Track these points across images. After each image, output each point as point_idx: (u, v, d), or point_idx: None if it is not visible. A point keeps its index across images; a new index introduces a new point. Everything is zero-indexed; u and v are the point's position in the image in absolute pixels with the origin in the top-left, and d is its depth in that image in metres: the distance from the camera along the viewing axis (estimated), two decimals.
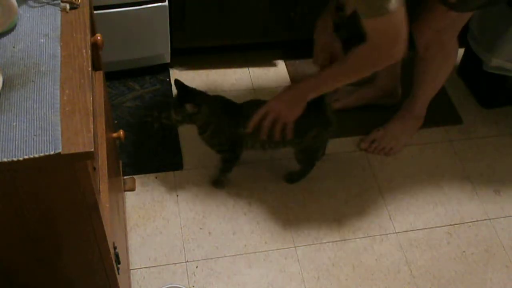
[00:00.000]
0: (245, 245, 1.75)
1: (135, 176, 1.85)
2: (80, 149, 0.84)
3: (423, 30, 1.69)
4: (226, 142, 1.75)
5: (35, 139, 0.84)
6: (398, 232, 1.83)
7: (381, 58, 1.48)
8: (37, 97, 0.90)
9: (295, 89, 1.62)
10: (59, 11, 1.04)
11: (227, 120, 1.72)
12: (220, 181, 1.87)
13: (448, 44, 1.76)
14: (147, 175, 1.88)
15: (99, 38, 1.19)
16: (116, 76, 2.11)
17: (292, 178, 1.90)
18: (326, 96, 1.65)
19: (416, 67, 1.88)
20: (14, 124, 0.86)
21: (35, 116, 0.87)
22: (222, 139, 1.75)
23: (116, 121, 2.00)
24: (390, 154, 1.99)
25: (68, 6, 1.04)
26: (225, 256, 1.72)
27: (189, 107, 1.64)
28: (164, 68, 2.18)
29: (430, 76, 1.87)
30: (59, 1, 1.05)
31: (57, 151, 0.83)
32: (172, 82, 2.15)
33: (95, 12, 1.29)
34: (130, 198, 1.82)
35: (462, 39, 1.92)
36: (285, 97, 1.62)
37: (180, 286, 1.63)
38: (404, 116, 2.00)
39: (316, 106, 1.64)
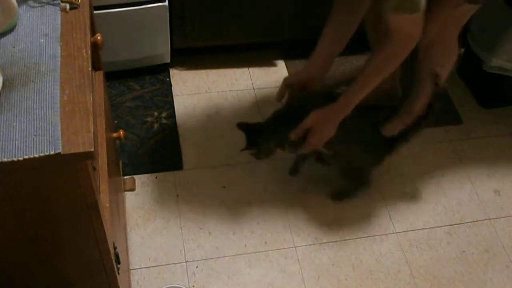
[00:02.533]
0: (245, 245, 1.75)
1: (135, 176, 1.85)
2: (80, 149, 0.84)
3: (428, 27, 1.66)
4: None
5: (35, 139, 0.84)
6: (398, 232, 1.83)
7: (402, 54, 1.51)
8: (37, 97, 0.90)
9: (330, 120, 1.63)
10: (59, 11, 1.04)
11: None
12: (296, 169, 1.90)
13: (451, 42, 1.74)
14: (147, 175, 1.88)
15: (99, 38, 1.19)
16: (116, 76, 2.11)
17: (338, 196, 1.89)
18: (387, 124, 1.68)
19: (419, 66, 1.82)
20: (14, 124, 0.86)
21: (35, 116, 0.87)
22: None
23: (116, 121, 2.00)
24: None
25: (68, 6, 1.04)
26: (225, 256, 1.72)
27: (253, 151, 1.72)
28: (164, 68, 2.18)
29: (431, 74, 1.82)
30: (59, 1, 1.05)
31: (57, 151, 0.83)
32: (172, 82, 2.16)
33: (95, 12, 1.29)
34: (130, 198, 1.82)
35: (462, 39, 1.92)
36: (324, 132, 1.64)
37: (180, 286, 1.63)
38: (403, 117, 1.97)
39: (376, 126, 1.69)
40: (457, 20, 1.68)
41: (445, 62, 1.78)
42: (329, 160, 1.83)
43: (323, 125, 1.63)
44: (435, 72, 1.76)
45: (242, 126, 1.73)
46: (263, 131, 1.71)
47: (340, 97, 1.60)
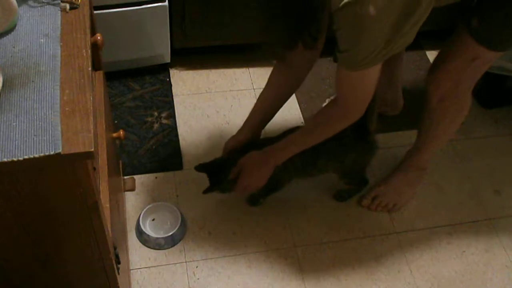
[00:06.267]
0: (245, 245, 1.75)
1: (135, 176, 1.85)
2: (80, 149, 0.84)
3: (442, 81, 1.57)
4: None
5: (35, 139, 0.84)
6: (398, 232, 1.83)
7: (343, 122, 1.45)
8: (37, 97, 0.90)
9: (261, 164, 1.60)
10: (59, 11, 1.04)
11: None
12: (256, 200, 1.84)
13: (463, 96, 1.62)
14: (147, 175, 1.88)
15: (99, 38, 1.19)
16: (116, 76, 2.11)
17: (342, 197, 1.89)
18: (371, 123, 1.63)
19: (426, 119, 1.71)
20: (14, 124, 0.86)
21: (35, 116, 0.87)
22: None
23: (116, 121, 2.00)
24: (394, 210, 1.87)
25: (68, 6, 1.04)
26: (225, 256, 1.72)
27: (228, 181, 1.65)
28: (164, 68, 2.18)
29: (441, 128, 1.72)
30: (59, 1, 1.05)
31: (57, 151, 0.83)
32: (172, 82, 2.16)
33: (95, 12, 1.29)
34: (130, 198, 1.82)
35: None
36: (253, 174, 1.61)
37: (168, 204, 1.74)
38: (407, 169, 1.86)
39: (358, 132, 1.63)
40: (473, 73, 1.55)
41: (455, 117, 1.68)
42: (345, 182, 1.83)
43: (253, 168, 1.60)
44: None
45: (200, 168, 1.68)
46: (225, 167, 1.66)
47: (278, 143, 1.57)
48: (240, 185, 1.63)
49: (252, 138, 1.69)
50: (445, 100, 1.60)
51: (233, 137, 1.72)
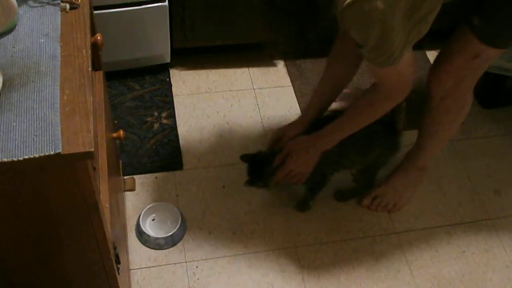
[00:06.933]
0: (245, 245, 1.75)
1: (135, 176, 1.85)
2: (80, 149, 0.84)
3: (444, 79, 1.57)
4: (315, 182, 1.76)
5: (35, 139, 0.84)
6: (398, 232, 1.83)
7: (383, 105, 1.47)
8: (37, 97, 0.90)
9: (309, 147, 1.62)
10: (59, 11, 1.04)
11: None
12: (305, 203, 1.84)
13: (465, 94, 1.63)
14: (147, 175, 1.88)
15: (99, 38, 1.19)
16: (116, 76, 2.11)
17: (343, 196, 1.89)
18: (398, 122, 1.66)
19: (427, 118, 1.71)
20: (14, 124, 0.86)
21: (35, 116, 0.87)
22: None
23: (116, 121, 2.00)
24: (394, 210, 1.87)
25: (68, 6, 1.04)
26: (225, 256, 1.72)
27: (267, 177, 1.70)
28: (164, 68, 2.18)
29: (442, 127, 1.72)
30: (59, 1, 1.05)
31: (57, 151, 0.83)
32: (172, 82, 2.16)
33: (95, 12, 1.29)
34: (130, 198, 1.82)
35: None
36: (300, 157, 1.63)
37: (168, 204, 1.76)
38: (407, 169, 1.86)
39: (387, 129, 1.66)
40: (474, 71, 1.56)
41: (456, 116, 1.69)
42: (358, 179, 1.85)
43: (300, 152, 1.61)
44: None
45: (245, 158, 1.73)
46: (268, 160, 1.68)
47: (323, 129, 1.58)
48: (286, 168, 1.64)
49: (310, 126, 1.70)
50: (447, 98, 1.60)
51: (289, 125, 1.74)
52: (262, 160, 1.71)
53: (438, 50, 1.59)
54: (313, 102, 1.70)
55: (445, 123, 1.70)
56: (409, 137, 1.97)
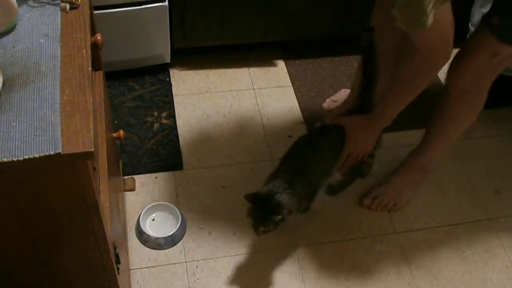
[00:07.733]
0: (245, 245, 1.75)
1: (135, 176, 1.85)
2: (80, 149, 0.84)
3: (463, 74, 1.57)
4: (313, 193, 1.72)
5: (35, 139, 0.84)
6: (398, 232, 1.83)
7: (429, 69, 1.48)
8: (37, 97, 0.90)
9: (367, 127, 1.64)
10: (59, 11, 1.04)
11: (300, 188, 1.60)
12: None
13: (482, 92, 1.62)
14: (147, 175, 1.88)
15: (99, 38, 1.19)
16: (116, 76, 2.11)
17: (333, 190, 1.89)
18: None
19: (440, 116, 1.70)
20: (14, 124, 0.86)
21: (35, 116, 0.87)
22: (310, 195, 1.71)
23: (116, 121, 2.00)
24: (394, 210, 1.86)
25: (68, 6, 1.04)
26: (225, 256, 1.72)
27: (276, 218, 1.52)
28: (164, 68, 2.18)
29: (454, 126, 1.72)
30: (59, 1, 1.05)
31: (57, 151, 0.83)
32: (172, 82, 2.16)
33: (95, 12, 1.29)
34: (130, 198, 1.82)
35: (463, 39, 1.92)
36: (359, 137, 1.65)
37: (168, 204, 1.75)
38: (409, 170, 1.86)
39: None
40: (493, 70, 1.57)
41: (471, 114, 1.68)
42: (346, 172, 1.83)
43: (359, 131, 1.64)
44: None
45: (249, 198, 1.54)
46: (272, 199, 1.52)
47: (376, 109, 1.61)
48: (348, 150, 1.65)
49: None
50: (465, 94, 1.61)
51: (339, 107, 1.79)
52: (264, 200, 1.55)
53: (457, 49, 1.59)
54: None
55: (458, 121, 1.70)
56: (409, 137, 1.98)
